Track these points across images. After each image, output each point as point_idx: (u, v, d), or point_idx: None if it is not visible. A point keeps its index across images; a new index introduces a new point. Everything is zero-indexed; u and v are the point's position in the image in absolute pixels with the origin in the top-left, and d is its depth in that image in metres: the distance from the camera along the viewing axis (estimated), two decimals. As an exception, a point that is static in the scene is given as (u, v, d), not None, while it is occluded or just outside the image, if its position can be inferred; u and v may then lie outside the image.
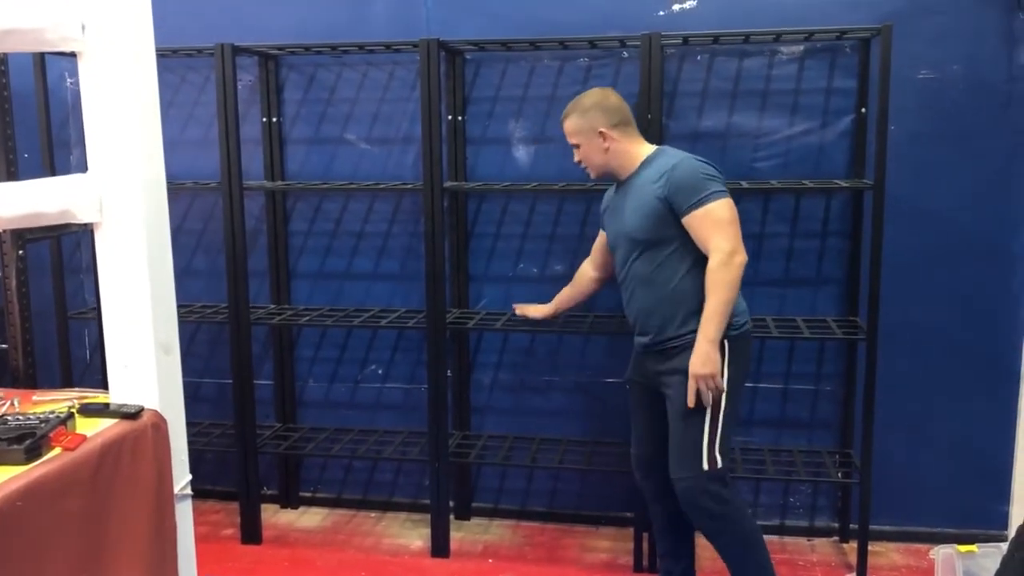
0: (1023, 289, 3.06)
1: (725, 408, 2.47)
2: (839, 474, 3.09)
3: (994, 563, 2.13)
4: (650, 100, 2.88)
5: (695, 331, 2.44)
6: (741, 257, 2.41)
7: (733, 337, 2.48)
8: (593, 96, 2.64)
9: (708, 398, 2.43)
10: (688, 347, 2.45)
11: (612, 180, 2.70)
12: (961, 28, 2.97)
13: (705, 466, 2.45)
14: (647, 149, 2.62)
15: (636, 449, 2.76)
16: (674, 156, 2.54)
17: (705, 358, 2.40)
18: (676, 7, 3.11)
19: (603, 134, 2.56)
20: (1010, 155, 3.01)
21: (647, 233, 2.50)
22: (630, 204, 2.56)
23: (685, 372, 2.45)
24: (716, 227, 2.41)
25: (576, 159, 2.67)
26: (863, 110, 3.02)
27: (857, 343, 3.05)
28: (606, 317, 3.23)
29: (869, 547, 2.98)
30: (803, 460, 3.15)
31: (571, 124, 2.62)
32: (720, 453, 2.46)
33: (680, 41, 3.01)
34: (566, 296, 3.03)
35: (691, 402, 2.44)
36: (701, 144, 3.12)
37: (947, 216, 3.07)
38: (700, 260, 2.46)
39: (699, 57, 3.12)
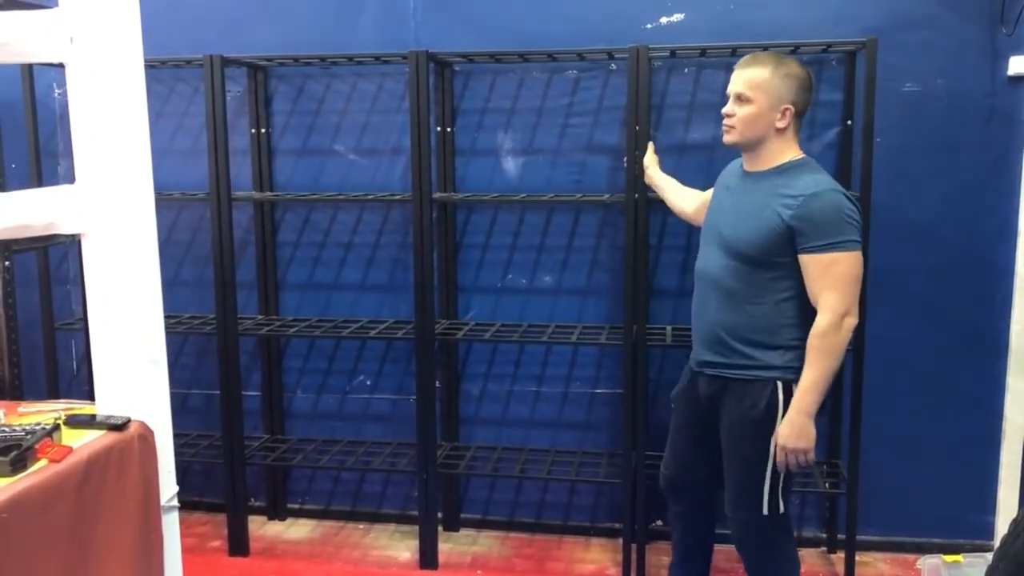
0: (1007, 300, 3.08)
1: None
2: (826, 484, 3.10)
3: (979, 573, 2.15)
4: (638, 112, 2.89)
5: (768, 368, 2.24)
6: (852, 320, 2.14)
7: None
8: (800, 69, 2.27)
9: (794, 466, 2.25)
10: (754, 384, 2.25)
11: (736, 155, 2.46)
12: (945, 42, 3.00)
13: (765, 510, 2.27)
14: (793, 154, 2.30)
15: (670, 471, 2.56)
16: (819, 179, 2.22)
17: (800, 432, 2.19)
18: (664, 20, 3.13)
19: (785, 111, 2.24)
20: (993, 167, 3.04)
21: (756, 251, 2.22)
22: (747, 208, 2.27)
23: (750, 414, 2.26)
24: (836, 283, 2.13)
25: (725, 110, 2.32)
26: (849, 122, 3.05)
27: (844, 354, 3.07)
28: (594, 328, 3.24)
29: (857, 557, 3.00)
30: (791, 470, 3.16)
31: (759, 76, 2.24)
32: (783, 498, 2.28)
33: (668, 54, 3.03)
34: (672, 184, 2.81)
35: (780, 469, 2.25)
36: (688, 157, 3.14)
37: (932, 228, 3.09)
38: (800, 295, 2.22)
39: (687, 70, 3.14)
